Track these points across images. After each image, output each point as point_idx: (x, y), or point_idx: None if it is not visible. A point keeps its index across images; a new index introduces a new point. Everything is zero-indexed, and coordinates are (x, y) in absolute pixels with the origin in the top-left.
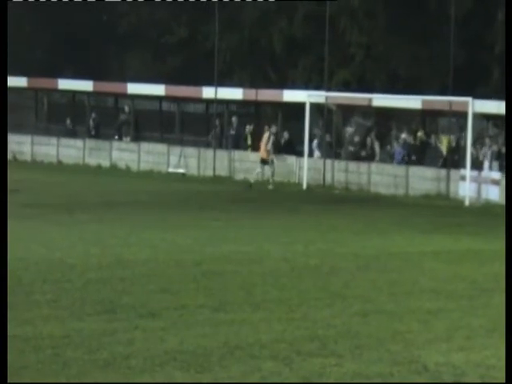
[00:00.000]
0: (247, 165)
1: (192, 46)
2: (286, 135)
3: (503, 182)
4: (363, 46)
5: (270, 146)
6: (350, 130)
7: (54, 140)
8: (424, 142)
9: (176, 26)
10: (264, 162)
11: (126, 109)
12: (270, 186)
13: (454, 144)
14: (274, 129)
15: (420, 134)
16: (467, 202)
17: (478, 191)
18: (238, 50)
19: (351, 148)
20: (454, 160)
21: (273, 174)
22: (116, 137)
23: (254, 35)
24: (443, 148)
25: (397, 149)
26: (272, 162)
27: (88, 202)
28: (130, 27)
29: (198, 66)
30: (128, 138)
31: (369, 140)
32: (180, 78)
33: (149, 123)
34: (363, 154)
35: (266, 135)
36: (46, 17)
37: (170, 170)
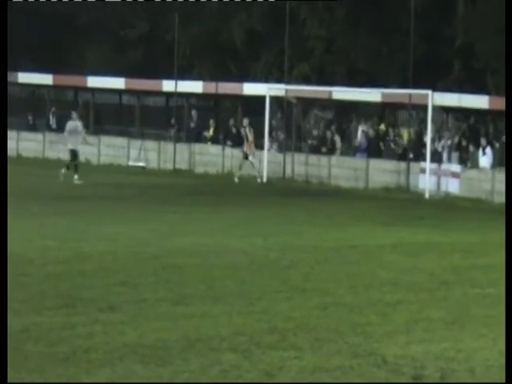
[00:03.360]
0: (207, 158)
1: (152, 39)
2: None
3: (463, 175)
4: (323, 40)
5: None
6: (311, 122)
7: (13, 133)
8: (384, 134)
9: (136, 19)
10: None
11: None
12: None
13: (413, 137)
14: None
15: (381, 126)
16: (427, 195)
17: (438, 184)
18: (198, 43)
19: (312, 141)
20: (413, 153)
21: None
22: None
23: (214, 29)
24: (403, 141)
25: (361, 141)
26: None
27: (47, 196)
28: (90, 20)
29: (159, 60)
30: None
31: (329, 133)
32: (140, 71)
33: (109, 116)
34: (324, 147)
35: (251, 130)
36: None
37: (130, 163)
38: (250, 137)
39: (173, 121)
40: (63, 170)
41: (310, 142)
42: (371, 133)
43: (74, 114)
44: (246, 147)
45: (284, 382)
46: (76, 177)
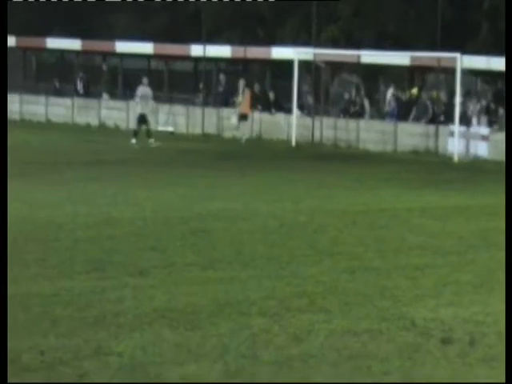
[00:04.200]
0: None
1: (180, 4)
2: (271, 94)
3: (492, 138)
4: (351, 3)
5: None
6: (339, 87)
7: (42, 99)
8: (416, 98)
9: None
10: (244, 117)
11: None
12: (243, 141)
13: (442, 100)
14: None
15: (414, 91)
16: (456, 158)
17: (467, 147)
18: (225, 8)
19: (340, 105)
20: (442, 116)
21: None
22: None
23: None
24: (436, 105)
25: (391, 104)
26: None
27: (76, 161)
28: None
29: (187, 25)
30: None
31: (358, 97)
32: (168, 36)
33: (137, 81)
34: (353, 110)
35: (248, 91)
36: None
37: (159, 128)
38: (242, 99)
39: (201, 86)
40: (134, 140)
41: (339, 105)
42: (404, 97)
43: (145, 80)
44: (239, 109)
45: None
46: (151, 140)
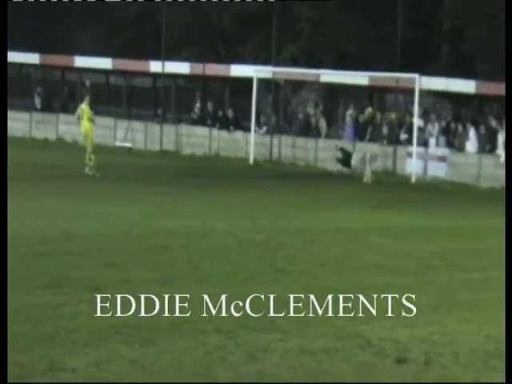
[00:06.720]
0: (194, 139)
1: (141, 21)
2: (230, 112)
3: (450, 159)
4: (312, 22)
5: None
6: (296, 105)
7: None
8: (372, 118)
9: (126, 1)
10: None
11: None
12: None
13: (400, 121)
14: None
15: (370, 110)
16: (414, 179)
17: (425, 168)
18: (187, 25)
19: (298, 123)
20: (400, 137)
21: None
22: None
23: (203, 11)
24: (392, 124)
25: (348, 125)
26: None
27: (34, 175)
28: (80, 1)
29: (147, 41)
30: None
31: (315, 116)
32: (128, 52)
33: (96, 97)
34: (310, 129)
35: None
36: None
37: (117, 143)
38: None
39: (159, 111)
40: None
41: (297, 124)
42: (361, 118)
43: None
44: None
45: None
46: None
